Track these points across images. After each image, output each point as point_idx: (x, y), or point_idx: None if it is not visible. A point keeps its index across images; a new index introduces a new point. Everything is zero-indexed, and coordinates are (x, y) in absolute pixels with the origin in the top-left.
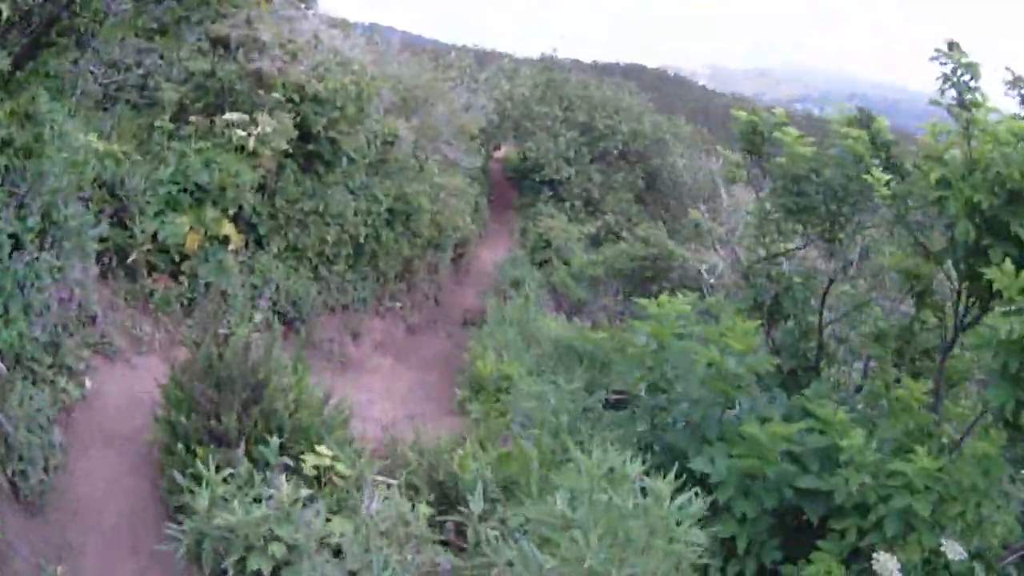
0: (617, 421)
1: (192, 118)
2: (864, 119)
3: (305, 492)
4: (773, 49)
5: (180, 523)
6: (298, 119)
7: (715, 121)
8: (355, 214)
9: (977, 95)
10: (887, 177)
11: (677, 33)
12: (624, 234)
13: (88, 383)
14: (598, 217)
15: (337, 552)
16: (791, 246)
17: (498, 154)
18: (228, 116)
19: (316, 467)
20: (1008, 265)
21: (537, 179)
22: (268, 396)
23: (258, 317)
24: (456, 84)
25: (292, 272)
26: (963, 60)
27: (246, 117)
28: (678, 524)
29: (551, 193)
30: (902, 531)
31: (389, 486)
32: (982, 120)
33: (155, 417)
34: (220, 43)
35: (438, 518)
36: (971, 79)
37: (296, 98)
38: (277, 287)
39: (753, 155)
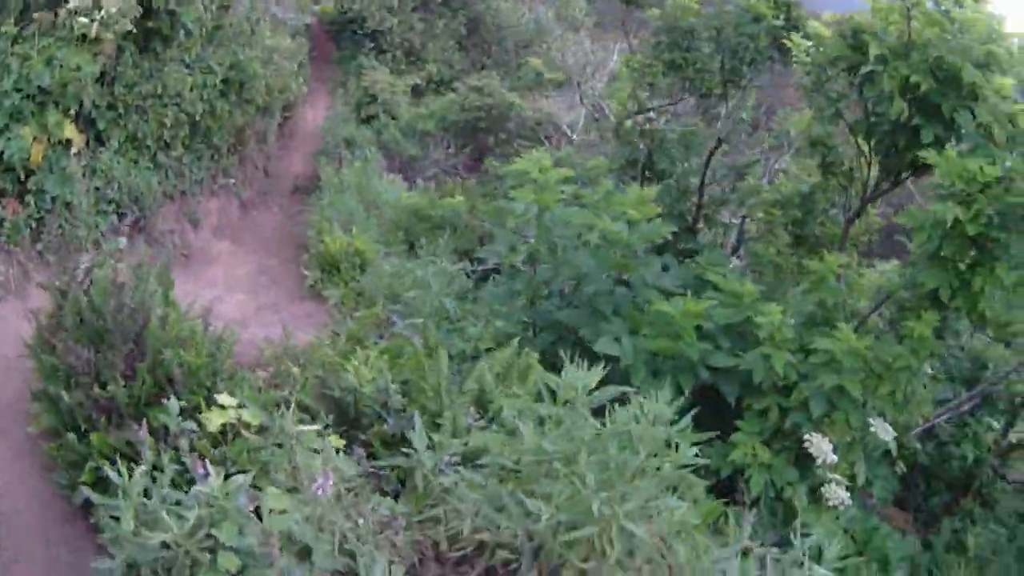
0: (496, 299)
1: (36, 15)
2: None
3: (238, 478)
4: None
5: (94, 525)
6: None
7: None
8: (191, 90)
9: None
10: (807, 43)
11: None
12: (456, 84)
13: None
14: (420, 67)
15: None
16: (667, 102)
17: (315, 7)
18: (71, 3)
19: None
20: (951, 151)
21: (359, 31)
22: (151, 345)
23: (122, 242)
24: None
25: (132, 166)
26: None
27: (89, 1)
28: (670, 444)
29: (372, 45)
30: (827, 411)
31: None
32: (924, 3)
33: (32, 393)
34: None
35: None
36: None
37: None
38: (119, 186)
39: (629, 4)
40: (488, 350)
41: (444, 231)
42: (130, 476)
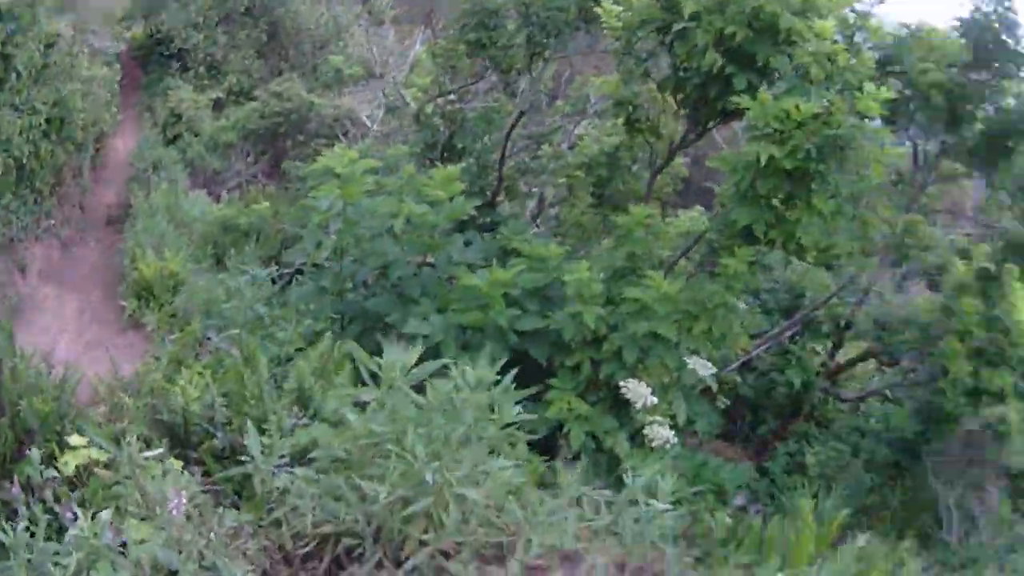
0: (304, 298)
1: None
2: None
3: (101, 516)
4: None
5: None
6: None
7: None
8: (20, 133)
9: None
10: (618, 9)
11: None
12: (256, 92)
13: None
14: (222, 80)
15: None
16: (467, 83)
17: (127, 34)
18: None
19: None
20: (764, 95)
21: (164, 53)
22: (7, 399)
23: None
24: None
25: None
26: None
27: None
28: (493, 408)
29: (177, 64)
30: (640, 357)
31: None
32: None
33: None
34: None
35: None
36: None
37: None
38: None
39: None
40: (299, 350)
41: (250, 239)
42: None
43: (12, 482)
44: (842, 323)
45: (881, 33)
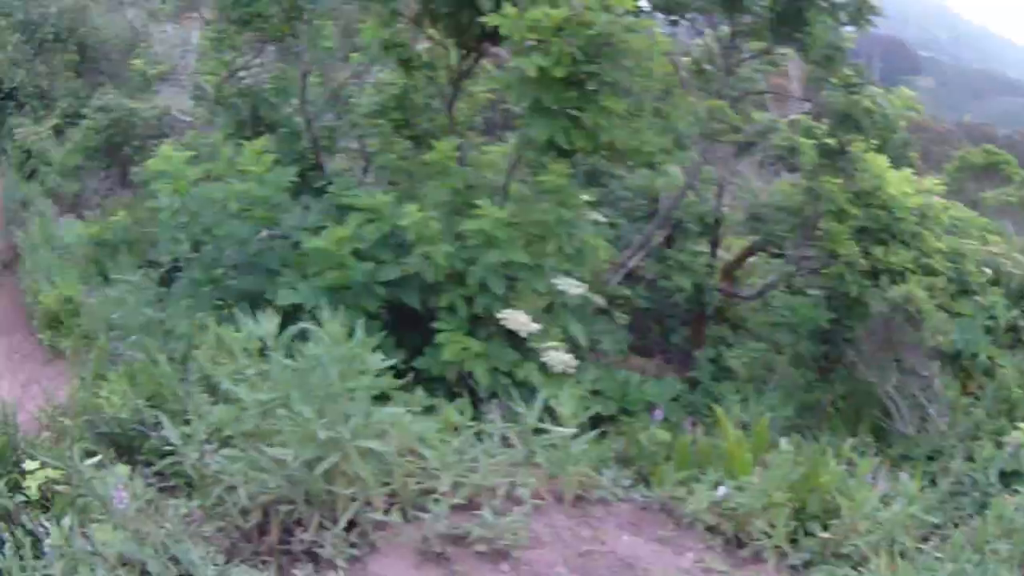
0: (183, 291)
1: None
2: None
3: (65, 523)
4: None
5: None
6: None
7: None
8: None
9: None
10: None
11: None
12: (84, 111)
13: None
14: (53, 108)
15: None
16: (250, 58)
17: None
18: None
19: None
20: (510, 8)
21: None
22: None
23: None
24: None
25: None
26: None
27: None
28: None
29: (14, 103)
30: (509, 286)
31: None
32: None
33: None
34: None
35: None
36: None
37: None
38: None
39: None
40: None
41: (121, 250)
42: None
43: None
44: (710, 220)
45: None
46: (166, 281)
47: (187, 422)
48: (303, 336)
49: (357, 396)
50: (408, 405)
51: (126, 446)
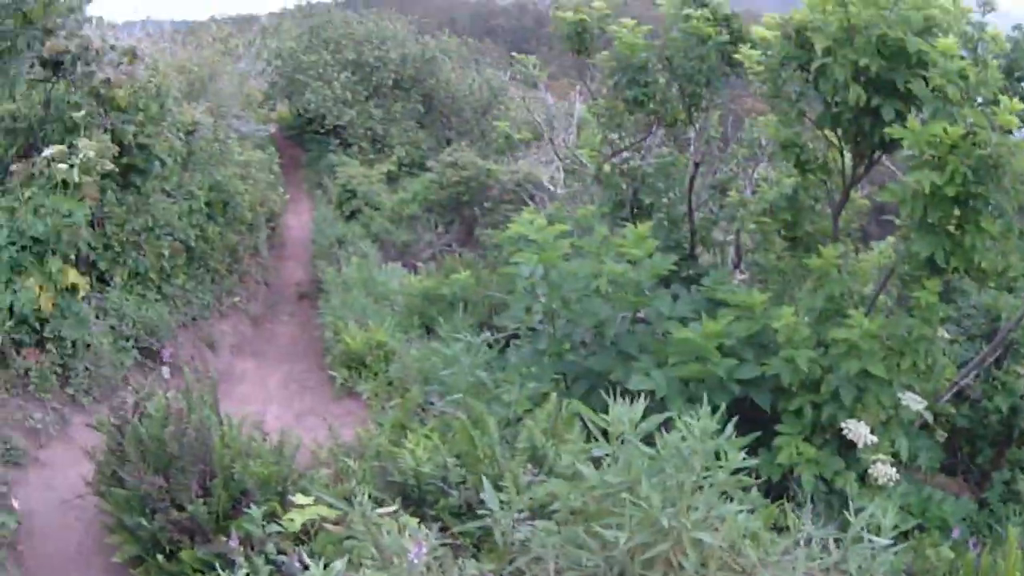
0: (524, 361)
1: (13, 166)
2: None
3: (335, 565)
4: None
5: None
6: (109, 132)
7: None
8: (180, 218)
9: None
10: (756, 53)
11: None
12: (429, 163)
13: (16, 503)
14: (388, 153)
15: None
16: (637, 139)
17: (272, 115)
18: (46, 152)
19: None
20: (914, 122)
21: (321, 130)
22: (220, 463)
23: (165, 371)
24: (226, 54)
25: (141, 301)
26: None
27: (64, 148)
28: (719, 456)
29: (338, 141)
30: (856, 397)
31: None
32: None
33: (107, 527)
34: (53, 64)
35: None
36: None
37: (102, 110)
38: (132, 322)
39: (580, 54)
40: (527, 411)
41: (456, 308)
42: None
43: (229, 536)
44: None
45: (1000, 41)
46: (502, 347)
47: (498, 488)
48: (663, 425)
49: (709, 493)
50: (742, 503)
51: (416, 499)
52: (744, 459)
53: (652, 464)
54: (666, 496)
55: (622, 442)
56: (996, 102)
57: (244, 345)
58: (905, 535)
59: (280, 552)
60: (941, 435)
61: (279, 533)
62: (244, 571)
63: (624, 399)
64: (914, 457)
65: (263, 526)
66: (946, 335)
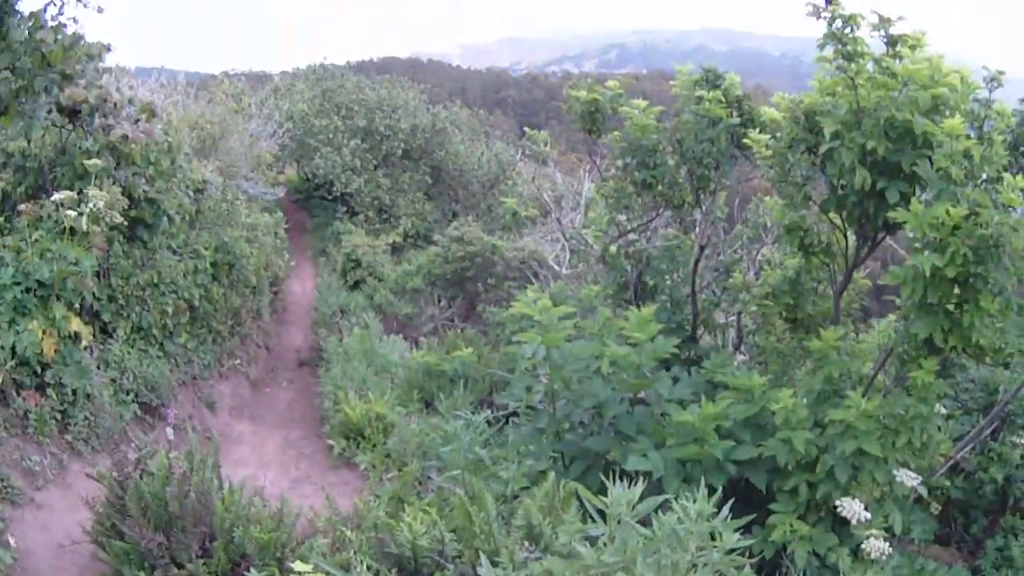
0: (523, 439)
1: (22, 206)
2: (711, 78)
3: None
4: (521, 16)
5: None
6: (118, 184)
7: (472, 98)
8: (185, 276)
9: (859, 46)
10: (765, 137)
11: (424, 18)
12: (435, 236)
13: (12, 540)
14: (394, 224)
15: None
16: (643, 221)
17: (280, 178)
18: (57, 196)
19: None
20: (917, 205)
21: (328, 196)
22: (220, 526)
23: (170, 432)
24: (238, 112)
25: (143, 356)
26: (841, 12)
27: (73, 194)
28: (714, 536)
29: (344, 208)
30: (851, 475)
31: None
32: (866, 70)
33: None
34: (70, 111)
35: None
36: (851, 30)
37: (115, 162)
38: (133, 376)
39: (592, 134)
40: (524, 488)
41: (457, 384)
42: None
43: None
44: None
45: (1007, 116)
46: (500, 424)
47: (495, 563)
48: (660, 506)
49: (702, 572)
50: None
51: (412, 572)
52: (739, 539)
53: (648, 544)
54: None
55: (619, 522)
56: (1000, 179)
57: (243, 407)
58: None
59: None
60: (936, 508)
61: None
62: None
63: (621, 479)
64: (908, 530)
65: None
66: (943, 410)
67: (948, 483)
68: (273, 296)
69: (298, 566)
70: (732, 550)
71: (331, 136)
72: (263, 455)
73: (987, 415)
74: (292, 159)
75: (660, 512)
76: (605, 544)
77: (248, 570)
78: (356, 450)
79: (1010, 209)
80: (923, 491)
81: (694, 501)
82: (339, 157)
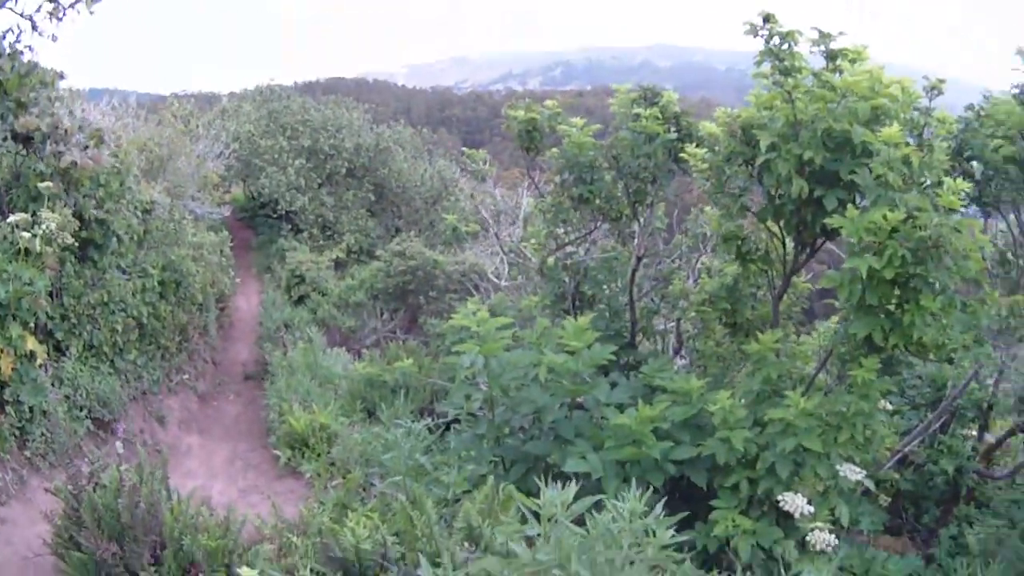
0: (464, 445)
1: None
2: (649, 96)
3: None
4: (469, 36)
5: None
6: (69, 207)
7: (417, 117)
8: (134, 295)
9: (796, 61)
10: (702, 151)
11: (371, 39)
12: (377, 251)
13: None
14: (337, 240)
15: None
16: (581, 234)
17: (226, 197)
18: (12, 218)
19: None
20: (852, 210)
21: (273, 215)
22: (170, 535)
23: (119, 446)
24: (186, 133)
25: (95, 372)
26: (779, 30)
27: (28, 216)
28: (650, 532)
29: (289, 226)
30: (793, 470)
31: None
32: (804, 84)
33: None
34: (24, 138)
35: None
36: (789, 46)
37: (65, 187)
38: (86, 392)
39: (530, 152)
40: (465, 492)
41: (398, 394)
42: None
43: None
44: (985, 405)
45: (949, 123)
46: (442, 432)
47: (436, 564)
48: (595, 506)
49: (637, 567)
50: None
51: (356, 575)
52: (673, 536)
53: (583, 543)
54: (596, 572)
55: (554, 522)
56: (941, 183)
57: (191, 421)
58: None
59: None
60: (884, 499)
61: None
62: None
63: (562, 482)
64: (856, 522)
65: None
66: (888, 406)
67: (897, 476)
68: (219, 312)
69: (245, 572)
70: (668, 545)
71: (276, 156)
72: (212, 467)
73: (935, 410)
74: (239, 179)
75: (595, 512)
76: (541, 544)
77: None
78: (301, 460)
79: (951, 212)
80: (870, 484)
81: (627, 501)
82: (284, 176)
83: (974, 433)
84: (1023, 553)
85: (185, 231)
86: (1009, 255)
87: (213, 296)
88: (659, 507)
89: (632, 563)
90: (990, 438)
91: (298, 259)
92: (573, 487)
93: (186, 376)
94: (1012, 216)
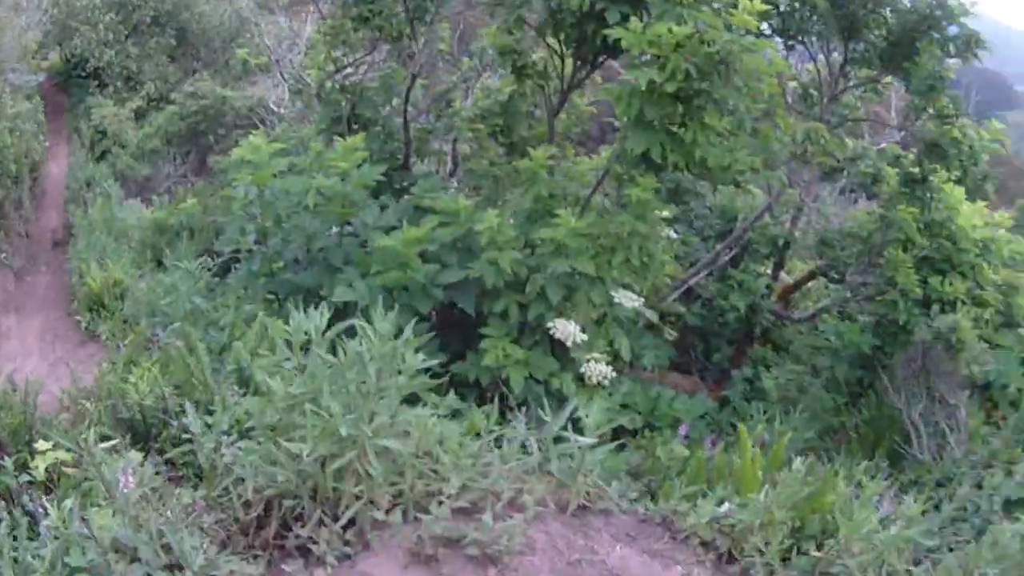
0: (239, 282)
1: None
2: None
3: (65, 505)
4: None
5: None
6: None
7: None
8: None
9: None
10: None
11: None
12: (173, 96)
13: None
14: (139, 90)
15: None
16: (360, 56)
17: (44, 64)
18: None
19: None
20: (635, 23)
21: (83, 74)
22: None
23: None
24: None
25: None
26: None
27: None
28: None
29: (96, 83)
30: (566, 295)
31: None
32: None
33: None
34: None
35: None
36: None
37: None
38: None
39: None
40: (243, 334)
41: (182, 237)
42: None
43: None
44: (780, 243)
45: None
46: (223, 272)
47: (211, 412)
48: (352, 333)
49: (387, 395)
50: (437, 408)
51: (143, 433)
52: (423, 359)
53: (334, 372)
54: (347, 403)
55: (307, 352)
56: (736, 4)
57: (8, 302)
58: (635, 434)
59: (31, 500)
60: (670, 334)
61: (30, 483)
62: (5, 526)
63: (333, 313)
64: (639, 356)
65: (16, 477)
66: (673, 234)
67: (684, 310)
68: (32, 182)
69: (40, 445)
70: (429, 372)
71: (89, 14)
72: (27, 345)
73: (723, 241)
74: (55, 43)
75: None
76: (295, 375)
77: (2, 459)
78: (99, 321)
79: (748, 33)
80: (652, 316)
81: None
82: (95, 34)
83: (768, 272)
84: (827, 403)
85: (4, 104)
86: (812, 91)
87: (26, 167)
88: (409, 329)
89: (383, 393)
90: (788, 279)
91: (102, 114)
92: (326, 311)
93: (3, 255)
94: (821, 57)
